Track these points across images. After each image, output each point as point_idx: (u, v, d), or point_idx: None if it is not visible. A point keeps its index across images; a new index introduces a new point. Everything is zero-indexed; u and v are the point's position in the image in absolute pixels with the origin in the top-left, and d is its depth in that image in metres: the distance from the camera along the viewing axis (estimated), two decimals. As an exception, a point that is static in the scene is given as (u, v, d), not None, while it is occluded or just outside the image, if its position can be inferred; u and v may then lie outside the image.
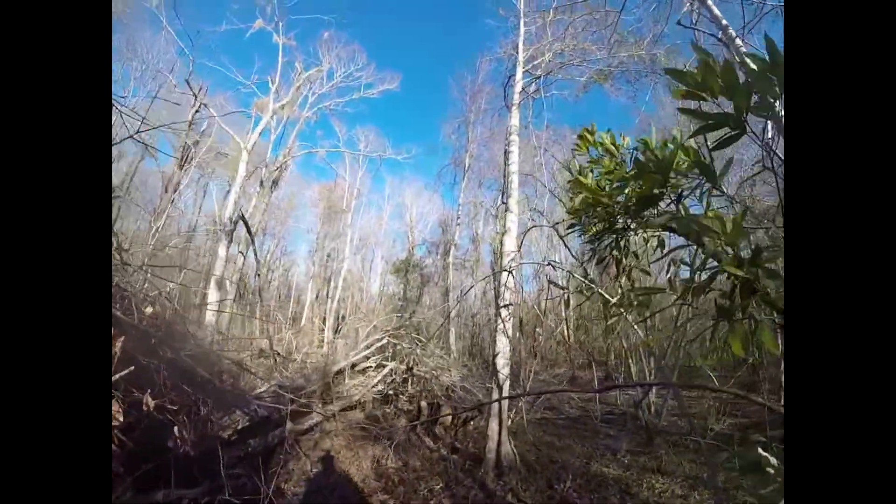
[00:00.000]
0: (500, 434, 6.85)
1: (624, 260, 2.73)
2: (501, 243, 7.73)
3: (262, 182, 17.65)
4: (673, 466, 7.03)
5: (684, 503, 5.74)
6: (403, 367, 12.39)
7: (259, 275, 16.44)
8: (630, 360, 11.65)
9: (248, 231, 10.57)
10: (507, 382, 7.21)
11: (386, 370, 12.01)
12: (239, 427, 6.15)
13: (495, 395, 7.02)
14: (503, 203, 8.72)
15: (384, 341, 13.13)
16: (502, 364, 7.20)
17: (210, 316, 12.65)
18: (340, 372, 11.07)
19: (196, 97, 14.67)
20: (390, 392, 11.69)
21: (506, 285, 7.34)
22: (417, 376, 12.47)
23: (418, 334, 14.10)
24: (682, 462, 7.21)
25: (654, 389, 10.34)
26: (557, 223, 6.66)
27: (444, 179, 27.26)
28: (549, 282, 6.29)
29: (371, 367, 12.48)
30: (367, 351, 12.61)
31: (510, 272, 6.86)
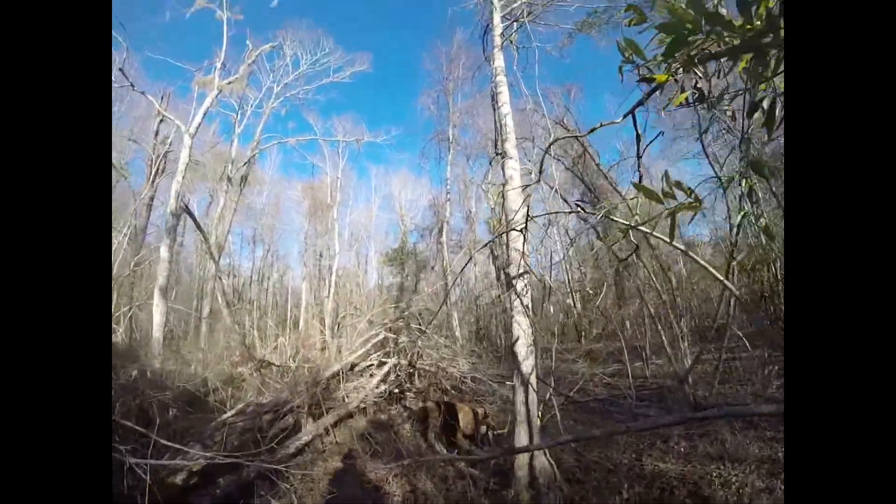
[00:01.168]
0: (531, 442, 5.54)
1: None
2: (503, 198, 6.33)
3: (229, 179, 16.10)
4: (740, 450, 5.71)
5: (773, 498, 4.44)
6: (406, 362, 11.16)
7: (220, 276, 15.05)
8: (658, 326, 10.28)
9: (197, 226, 9.22)
10: (534, 375, 5.84)
11: (386, 368, 10.75)
12: (194, 469, 4.84)
13: (520, 395, 5.65)
14: (498, 154, 7.26)
15: (381, 336, 11.87)
16: (524, 352, 5.80)
17: (157, 333, 11.32)
18: (336, 376, 9.75)
19: (133, 86, 13.11)
20: (395, 390, 10.44)
21: (516, 249, 5.99)
22: (422, 370, 11.25)
23: (419, 324, 12.88)
24: (748, 442, 5.92)
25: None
26: (582, 135, 5.25)
27: (429, 156, 25.65)
28: (580, 207, 4.82)
29: (373, 365, 11.21)
30: (365, 349, 11.34)
31: (523, 230, 5.49)
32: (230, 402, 8.03)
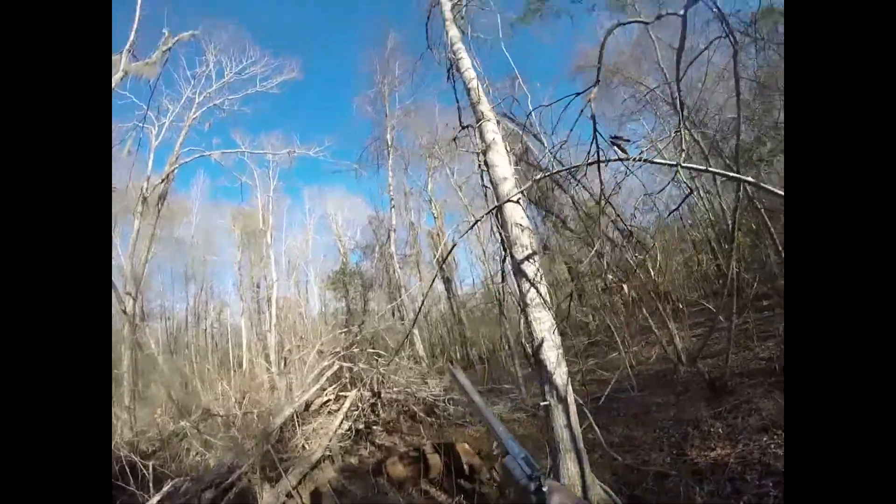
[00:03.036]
0: (583, 475, 4.30)
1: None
2: (486, 165, 5.15)
3: (144, 199, 14.03)
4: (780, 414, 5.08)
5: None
6: (369, 392, 9.86)
7: (126, 311, 13.23)
8: (642, 310, 9.43)
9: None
10: (570, 387, 4.56)
11: (347, 402, 9.41)
12: None
13: (559, 417, 4.35)
14: (464, 127, 6.07)
15: (335, 367, 10.47)
16: (555, 358, 4.53)
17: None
18: (291, 420, 8.33)
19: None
20: (360, 427, 9.11)
21: (517, 224, 4.75)
22: (387, 400, 9.98)
23: (374, 349, 11.60)
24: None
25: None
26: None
27: (367, 164, 24.03)
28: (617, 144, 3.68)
29: (330, 400, 9.84)
30: (319, 384, 9.93)
31: (520, 199, 4.32)
32: (169, 466, 6.76)
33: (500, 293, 12.65)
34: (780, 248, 9.49)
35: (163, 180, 14.72)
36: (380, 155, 20.93)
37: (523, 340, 5.49)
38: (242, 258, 29.76)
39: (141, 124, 15.44)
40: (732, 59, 4.15)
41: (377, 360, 10.68)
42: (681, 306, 10.91)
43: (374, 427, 9.36)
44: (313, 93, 65.63)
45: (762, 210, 9.54)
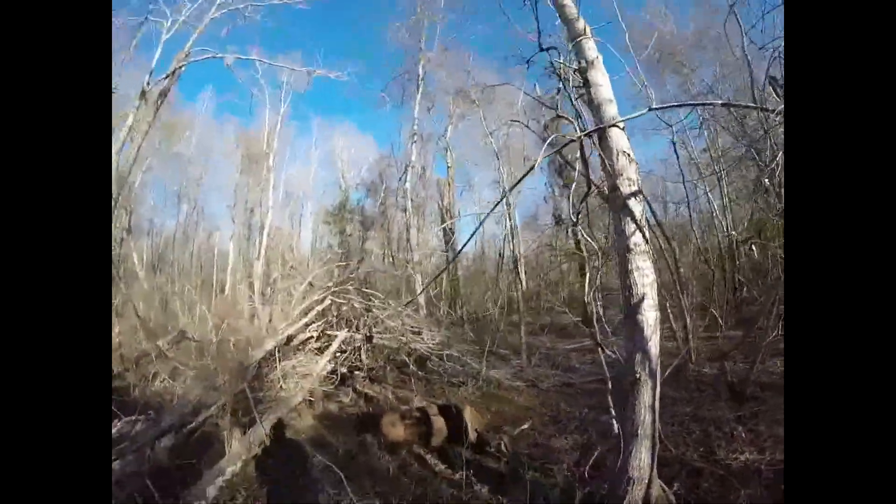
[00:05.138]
0: (652, 469, 3.59)
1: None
2: (586, 84, 4.03)
3: (143, 93, 12.57)
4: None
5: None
6: (360, 335, 8.92)
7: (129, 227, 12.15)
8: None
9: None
10: (659, 363, 3.71)
11: (336, 343, 8.48)
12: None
13: (645, 395, 3.57)
14: (544, 49, 4.70)
15: (326, 302, 9.47)
16: (653, 322, 3.67)
17: None
18: (272, 355, 7.36)
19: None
20: (344, 371, 8.21)
21: (622, 151, 3.74)
22: (379, 345, 9.07)
23: (368, 289, 10.63)
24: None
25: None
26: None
27: (391, 100, 21.86)
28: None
29: (311, 338, 8.89)
30: (305, 319, 8.95)
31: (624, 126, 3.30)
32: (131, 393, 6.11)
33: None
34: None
35: (167, 76, 13.17)
36: (406, 90, 19.42)
37: (592, 296, 4.52)
38: (241, 181, 28.35)
39: (148, 19, 13.87)
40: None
41: (372, 301, 9.73)
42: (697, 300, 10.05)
43: (357, 373, 8.49)
44: (344, 14, 57.42)
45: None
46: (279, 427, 5.47)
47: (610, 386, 4.52)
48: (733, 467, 4.46)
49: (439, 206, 21.43)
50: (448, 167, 20.61)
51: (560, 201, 18.66)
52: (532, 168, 4.11)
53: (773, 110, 3.47)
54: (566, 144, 3.95)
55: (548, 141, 3.91)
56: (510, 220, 14.94)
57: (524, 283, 14.06)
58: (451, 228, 17.86)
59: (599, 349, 4.97)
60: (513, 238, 14.80)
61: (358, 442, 5.37)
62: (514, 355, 10.41)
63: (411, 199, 17.71)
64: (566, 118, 4.09)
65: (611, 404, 4.37)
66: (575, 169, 4.06)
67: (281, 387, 6.64)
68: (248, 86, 21.41)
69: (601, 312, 5.44)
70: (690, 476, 4.38)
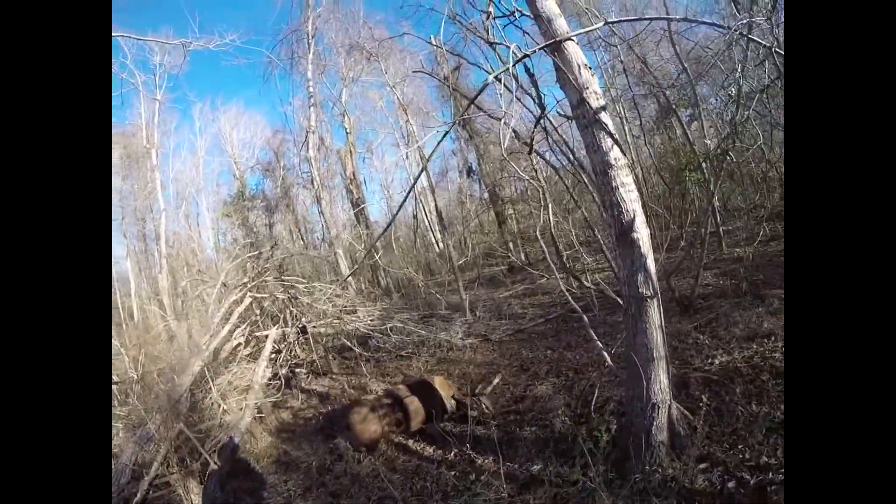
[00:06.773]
0: (669, 386, 3.60)
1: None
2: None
3: None
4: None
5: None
6: (292, 329, 8.18)
7: None
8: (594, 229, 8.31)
9: None
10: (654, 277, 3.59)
11: (269, 343, 7.70)
12: None
13: (653, 315, 3.47)
14: None
15: (246, 301, 8.56)
16: (647, 240, 3.53)
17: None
18: (203, 377, 6.47)
19: None
20: (285, 372, 7.53)
21: (581, 64, 3.50)
22: (315, 335, 8.37)
23: (287, 277, 9.78)
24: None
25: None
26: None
27: (280, 63, 19.67)
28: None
29: (240, 345, 8.05)
30: (228, 326, 8.03)
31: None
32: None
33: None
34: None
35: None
36: (296, 52, 17.72)
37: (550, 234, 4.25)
38: (124, 187, 25.45)
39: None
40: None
41: (296, 289, 8.94)
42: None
43: (299, 370, 7.93)
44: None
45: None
46: (237, 458, 4.79)
47: (587, 320, 4.64)
48: (713, 371, 4.58)
49: (342, 176, 20.44)
50: (347, 133, 19.50)
51: (468, 152, 18.31)
52: (486, 86, 3.80)
53: (733, 28, 3.35)
54: (521, 59, 3.52)
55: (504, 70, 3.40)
56: (429, 177, 14.40)
57: (447, 242, 13.62)
58: (359, 198, 17.19)
59: (561, 285, 5.24)
60: (433, 195, 14.30)
61: (329, 449, 4.83)
62: (455, 314, 10.14)
63: (317, 169, 16.52)
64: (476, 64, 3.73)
65: (593, 336, 4.52)
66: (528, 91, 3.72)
67: (223, 410, 5.83)
68: (116, 73, 18.80)
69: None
70: (680, 387, 4.35)
